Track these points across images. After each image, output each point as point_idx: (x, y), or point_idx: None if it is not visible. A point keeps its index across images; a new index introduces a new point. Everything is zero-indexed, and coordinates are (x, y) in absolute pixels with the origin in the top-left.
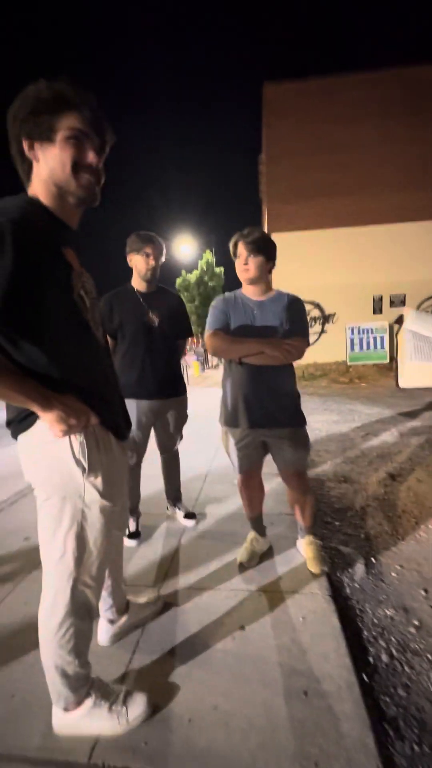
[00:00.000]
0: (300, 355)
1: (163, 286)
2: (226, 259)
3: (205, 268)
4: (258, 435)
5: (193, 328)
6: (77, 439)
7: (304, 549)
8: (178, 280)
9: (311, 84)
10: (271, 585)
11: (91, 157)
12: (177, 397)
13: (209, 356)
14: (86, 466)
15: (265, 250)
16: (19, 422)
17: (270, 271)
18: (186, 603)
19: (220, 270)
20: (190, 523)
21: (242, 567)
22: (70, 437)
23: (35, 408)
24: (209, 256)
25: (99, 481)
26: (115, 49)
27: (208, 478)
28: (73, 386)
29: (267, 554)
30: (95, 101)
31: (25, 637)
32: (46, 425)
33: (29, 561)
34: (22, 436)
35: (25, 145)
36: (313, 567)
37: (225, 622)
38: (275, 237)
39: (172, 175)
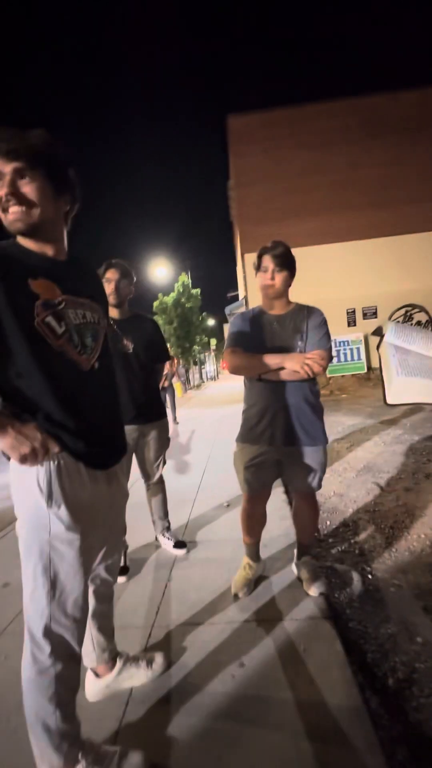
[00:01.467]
0: (321, 369)
1: (138, 311)
2: (201, 282)
3: (181, 290)
4: (275, 453)
5: (172, 350)
6: (42, 468)
7: (301, 570)
8: (156, 303)
9: (274, 115)
10: (269, 613)
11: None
12: (156, 421)
13: (191, 376)
14: (47, 495)
15: (290, 266)
16: (3, 451)
17: (289, 286)
18: (180, 641)
19: (196, 291)
20: (180, 552)
21: (236, 597)
22: (38, 466)
23: None
24: (185, 278)
25: (63, 512)
26: (89, 85)
27: (197, 504)
28: (41, 412)
29: (262, 580)
30: None
31: (6, 696)
32: None
33: (9, 609)
34: (10, 464)
35: None
36: (310, 589)
37: (223, 659)
38: (247, 258)
39: (147, 202)
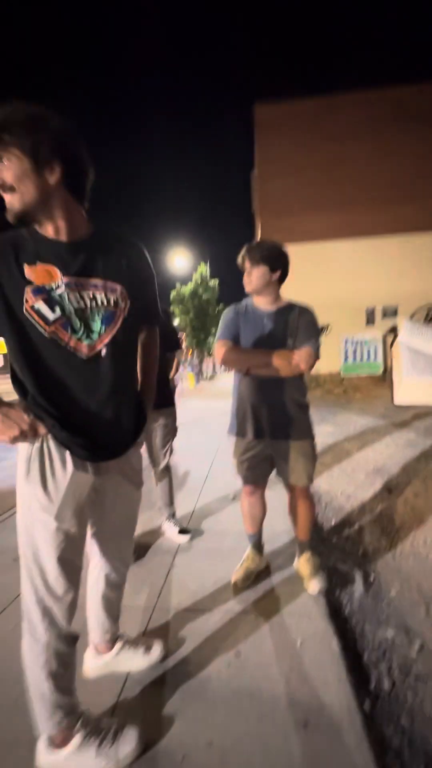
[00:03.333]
0: (308, 367)
1: None
2: (220, 272)
3: (199, 281)
4: (265, 447)
5: (188, 340)
6: (27, 448)
7: (302, 567)
8: (173, 293)
9: (302, 104)
10: (268, 606)
11: None
12: (164, 408)
13: (203, 368)
14: (25, 472)
15: (269, 260)
16: None
17: (279, 281)
18: (179, 626)
19: (214, 282)
20: (183, 539)
21: (237, 587)
22: (27, 445)
23: None
24: (203, 268)
25: (39, 491)
26: (112, 72)
27: (203, 494)
28: (30, 395)
29: (263, 573)
30: None
31: (11, 666)
32: None
33: (18, 583)
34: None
35: None
36: (311, 586)
37: (220, 647)
38: None
39: (167, 191)
